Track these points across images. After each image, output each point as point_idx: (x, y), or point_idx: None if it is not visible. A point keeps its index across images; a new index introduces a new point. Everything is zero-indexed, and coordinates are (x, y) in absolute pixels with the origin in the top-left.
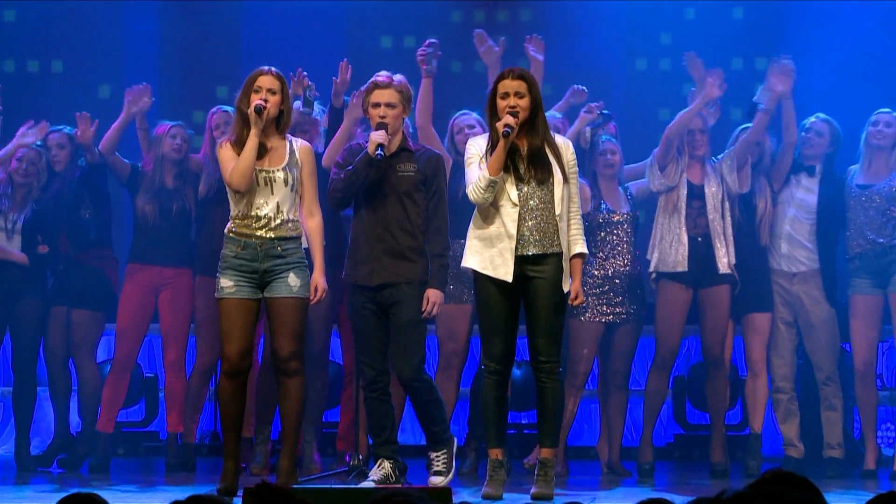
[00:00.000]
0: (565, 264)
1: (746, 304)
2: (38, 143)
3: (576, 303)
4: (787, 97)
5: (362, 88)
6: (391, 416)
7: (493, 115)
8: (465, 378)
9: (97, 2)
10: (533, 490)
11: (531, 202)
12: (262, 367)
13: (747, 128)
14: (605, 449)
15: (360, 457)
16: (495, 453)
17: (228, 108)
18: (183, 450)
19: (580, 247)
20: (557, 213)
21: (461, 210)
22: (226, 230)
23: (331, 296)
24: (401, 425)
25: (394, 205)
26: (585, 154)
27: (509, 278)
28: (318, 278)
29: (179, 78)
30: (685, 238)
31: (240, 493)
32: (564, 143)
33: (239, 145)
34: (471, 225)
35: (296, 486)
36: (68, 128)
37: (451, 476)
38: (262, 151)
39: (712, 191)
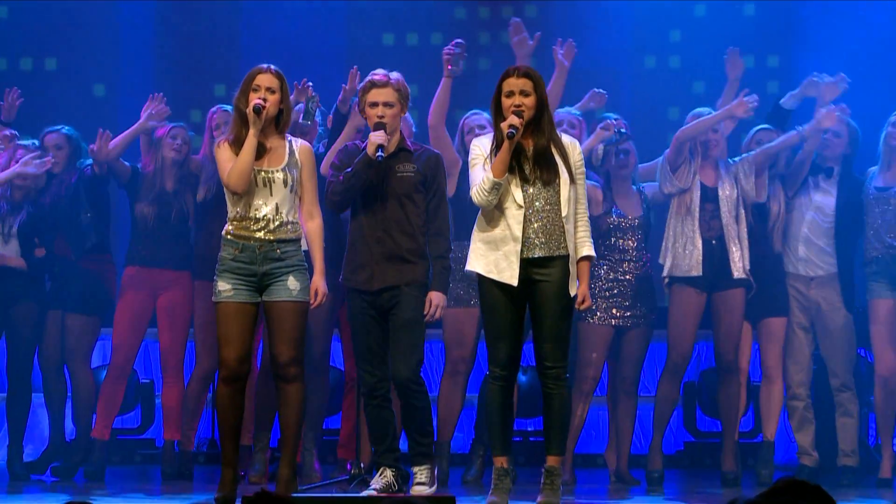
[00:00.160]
0: (572, 267)
1: (762, 309)
2: (36, 143)
3: (583, 307)
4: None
5: (358, 87)
6: (393, 424)
7: (497, 114)
8: (474, 383)
9: None
10: (539, 499)
11: (537, 204)
12: (261, 373)
13: (765, 129)
14: (613, 457)
15: (362, 465)
16: (500, 461)
17: (229, 108)
18: (180, 458)
19: (587, 249)
20: (564, 214)
21: (471, 212)
22: (223, 232)
23: (331, 299)
24: (402, 433)
25: (393, 206)
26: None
27: (515, 282)
28: (319, 282)
29: (176, 76)
30: (699, 242)
31: (238, 501)
32: (571, 143)
33: (237, 145)
34: (475, 227)
35: (295, 494)
36: (65, 128)
37: (434, 488)
38: (260, 151)
39: (726, 193)
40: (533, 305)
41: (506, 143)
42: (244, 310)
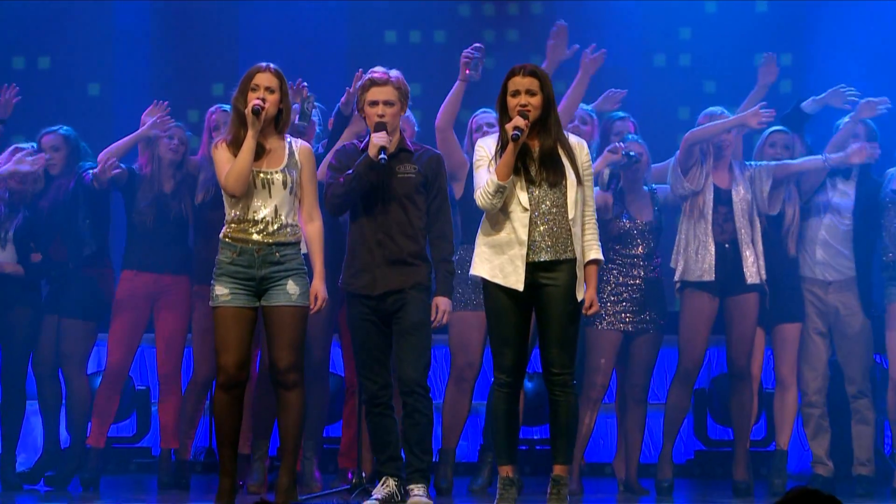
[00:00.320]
0: (579, 271)
1: (776, 315)
2: (34, 145)
3: (590, 312)
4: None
5: (357, 85)
6: (395, 432)
7: (503, 113)
8: (482, 390)
9: None
10: None
11: (543, 206)
12: (258, 379)
13: (780, 130)
14: (621, 466)
15: (364, 474)
16: (506, 470)
17: (228, 107)
18: (177, 467)
19: (595, 252)
20: (571, 217)
21: (479, 214)
22: (221, 235)
23: (331, 304)
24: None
25: (394, 209)
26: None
27: (520, 287)
28: (318, 286)
29: (173, 74)
30: (712, 246)
31: None
32: (579, 144)
33: (235, 146)
34: (479, 231)
35: None
36: (63, 128)
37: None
38: (259, 152)
39: (740, 196)
40: (539, 310)
41: (510, 146)
42: (242, 314)
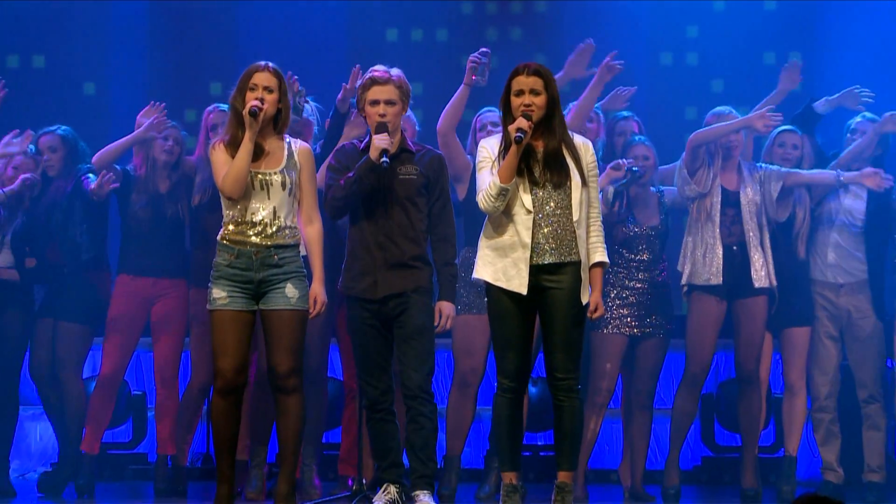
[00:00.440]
0: (584, 274)
1: (785, 318)
2: (32, 148)
3: (595, 315)
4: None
5: (357, 84)
6: (396, 438)
7: (506, 113)
8: (485, 395)
9: None
10: None
11: (547, 208)
12: (255, 384)
13: (789, 130)
14: (627, 472)
15: (364, 481)
16: (509, 477)
17: (226, 107)
18: (173, 473)
19: (600, 255)
20: (575, 219)
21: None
22: (218, 237)
23: (328, 306)
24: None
25: (395, 211)
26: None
27: (524, 290)
28: (318, 289)
29: (170, 73)
30: (720, 249)
31: None
32: (584, 144)
33: (233, 146)
34: (482, 233)
35: None
36: (61, 128)
37: None
38: (258, 153)
39: (749, 197)
40: (543, 314)
41: (513, 148)
42: (240, 318)
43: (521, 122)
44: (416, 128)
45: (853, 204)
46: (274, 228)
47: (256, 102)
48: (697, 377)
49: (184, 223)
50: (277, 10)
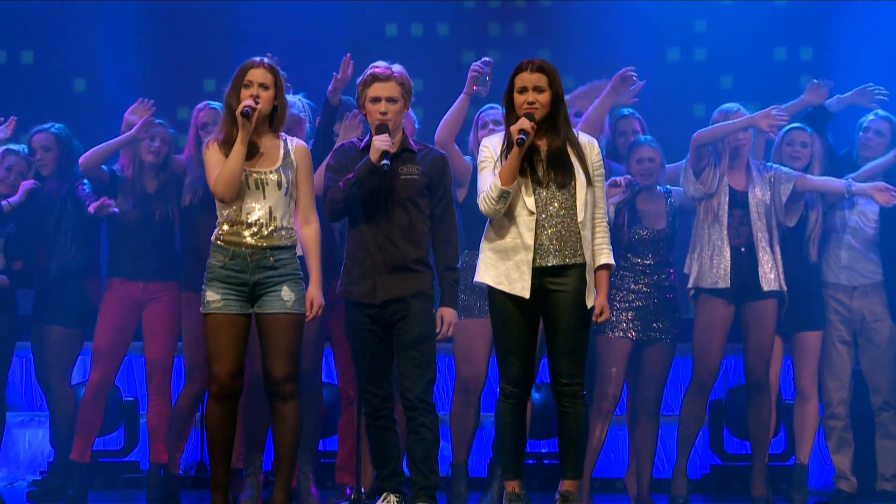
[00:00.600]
0: (589, 276)
1: (796, 322)
2: (25, 149)
3: (601, 319)
4: None
5: (357, 81)
6: (397, 446)
7: (509, 111)
8: (488, 401)
9: None
10: None
11: (551, 208)
12: (248, 390)
13: (798, 128)
14: (633, 481)
15: (363, 489)
16: (512, 485)
17: (217, 105)
18: (166, 482)
19: (606, 257)
20: (580, 219)
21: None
22: (213, 237)
23: (323, 309)
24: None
25: (396, 212)
26: (621, 160)
27: (527, 294)
28: (315, 292)
29: (163, 70)
30: (727, 251)
31: None
32: (589, 143)
33: (227, 145)
34: (484, 236)
35: None
36: (55, 126)
37: None
38: (253, 151)
39: (757, 197)
40: (547, 318)
41: (515, 150)
42: (235, 322)
43: (524, 123)
44: (416, 125)
45: (866, 204)
46: (270, 229)
47: (249, 102)
48: (705, 382)
49: (173, 224)
50: (273, 4)
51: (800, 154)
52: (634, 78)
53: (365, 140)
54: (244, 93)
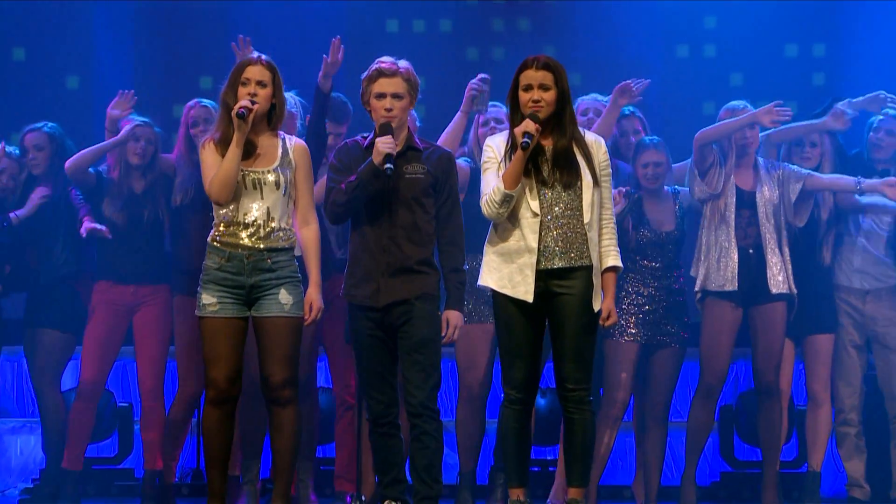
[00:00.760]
0: (596, 279)
1: (807, 325)
2: (16, 150)
3: (608, 323)
4: None
5: (338, 57)
6: (400, 453)
7: (514, 110)
8: (492, 407)
9: None
10: None
11: (556, 209)
12: (245, 395)
13: (812, 123)
14: (641, 489)
15: (363, 497)
16: (516, 493)
17: (208, 102)
18: (161, 489)
19: (613, 259)
20: (586, 220)
21: (480, 221)
22: (209, 238)
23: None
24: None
25: (401, 212)
26: (623, 160)
27: (530, 298)
28: (314, 295)
29: (157, 67)
30: (735, 253)
31: None
32: (596, 142)
33: (224, 145)
34: (487, 238)
35: None
36: (48, 125)
37: None
38: (250, 150)
39: (765, 197)
40: (553, 321)
41: (519, 153)
42: (232, 325)
43: (528, 125)
44: (417, 123)
45: (880, 205)
46: (267, 230)
47: (245, 103)
48: (713, 388)
49: (163, 225)
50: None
51: (809, 154)
52: (633, 87)
53: (369, 138)
54: (241, 91)
